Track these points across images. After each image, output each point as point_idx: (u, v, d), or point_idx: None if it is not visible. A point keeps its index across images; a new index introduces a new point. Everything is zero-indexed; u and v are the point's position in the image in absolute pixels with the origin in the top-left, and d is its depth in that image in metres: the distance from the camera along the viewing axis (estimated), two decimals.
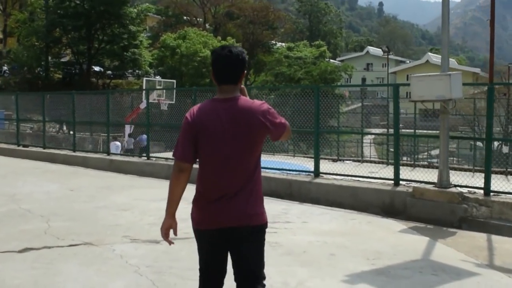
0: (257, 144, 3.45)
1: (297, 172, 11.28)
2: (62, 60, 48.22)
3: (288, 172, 11.18)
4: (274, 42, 65.28)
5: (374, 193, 9.63)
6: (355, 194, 9.86)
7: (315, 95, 10.76)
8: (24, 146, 17.96)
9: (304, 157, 27.66)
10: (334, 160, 24.66)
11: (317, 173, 10.79)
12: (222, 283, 3.59)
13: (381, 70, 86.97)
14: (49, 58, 45.76)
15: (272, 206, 9.34)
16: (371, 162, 26.76)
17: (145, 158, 13.86)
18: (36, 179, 12.03)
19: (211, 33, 53.82)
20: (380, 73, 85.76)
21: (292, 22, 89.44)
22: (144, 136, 22.81)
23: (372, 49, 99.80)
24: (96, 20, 42.82)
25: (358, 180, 10.47)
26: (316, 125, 10.92)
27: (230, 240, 3.45)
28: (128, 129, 22.35)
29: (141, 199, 9.64)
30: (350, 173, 10.97)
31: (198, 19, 64.04)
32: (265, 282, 3.52)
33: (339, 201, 9.93)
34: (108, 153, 14.98)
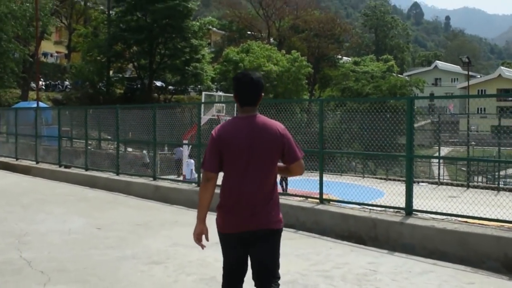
0: (274, 156, 3.87)
1: (382, 208, 8.77)
2: (125, 75, 47.51)
3: (371, 208, 8.70)
4: (340, 57, 62.87)
5: (492, 242, 7.09)
6: (464, 242, 7.33)
7: (408, 109, 8.27)
8: (66, 166, 16.16)
9: (374, 178, 25.13)
10: None
11: (409, 210, 8.29)
12: (242, 281, 3.98)
13: (450, 85, 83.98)
14: (111, 73, 45.03)
15: (354, 259, 6.95)
16: (447, 184, 23.97)
17: (195, 185, 11.69)
18: (64, 210, 10.00)
19: (275, 47, 51.95)
20: (450, 88, 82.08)
21: (358, 36, 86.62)
22: (180, 149, 20.83)
23: (440, 64, 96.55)
24: (158, 33, 41.85)
25: (466, 222, 7.92)
26: (409, 147, 8.40)
27: (251, 241, 3.84)
28: (186, 148, 20.44)
29: (182, 244, 7.40)
30: (450, 211, 8.41)
31: (262, 33, 62.37)
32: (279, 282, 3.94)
33: (441, 250, 7.44)
34: (154, 178, 12.82)
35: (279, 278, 3.92)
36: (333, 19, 63.56)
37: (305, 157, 4.39)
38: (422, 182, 24.41)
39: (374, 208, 8.69)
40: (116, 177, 13.65)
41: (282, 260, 4.02)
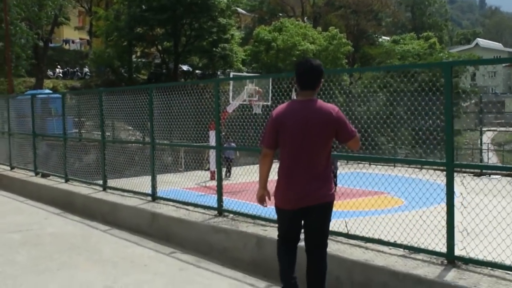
0: (327, 138, 4.19)
1: None
2: (151, 60, 43.79)
3: None
4: (378, 36, 57.96)
5: None
6: None
7: None
8: (44, 175, 11.87)
9: (433, 169, 20.22)
10: (476, 175, 18.28)
11: None
12: (296, 244, 4.42)
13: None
14: (134, 58, 41.15)
15: None
16: None
17: (216, 213, 7.25)
18: None
19: (310, 25, 47.30)
20: (491, 67, 77.31)
21: (397, 12, 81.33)
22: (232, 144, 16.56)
23: (482, 41, 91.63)
24: (183, 13, 37.75)
25: None
26: None
27: (306, 214, 4.23)
28: (212, 139, 16.37)
29: None
30: None
31: (295, 11, 57.68)
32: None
33: None
34: (153, 198, 8.31)
35: (327, 245, 4.40)
36: None
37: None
38: (494, 175, 19.74)
39: None
40: (100, 195, 9.06)
41: None
